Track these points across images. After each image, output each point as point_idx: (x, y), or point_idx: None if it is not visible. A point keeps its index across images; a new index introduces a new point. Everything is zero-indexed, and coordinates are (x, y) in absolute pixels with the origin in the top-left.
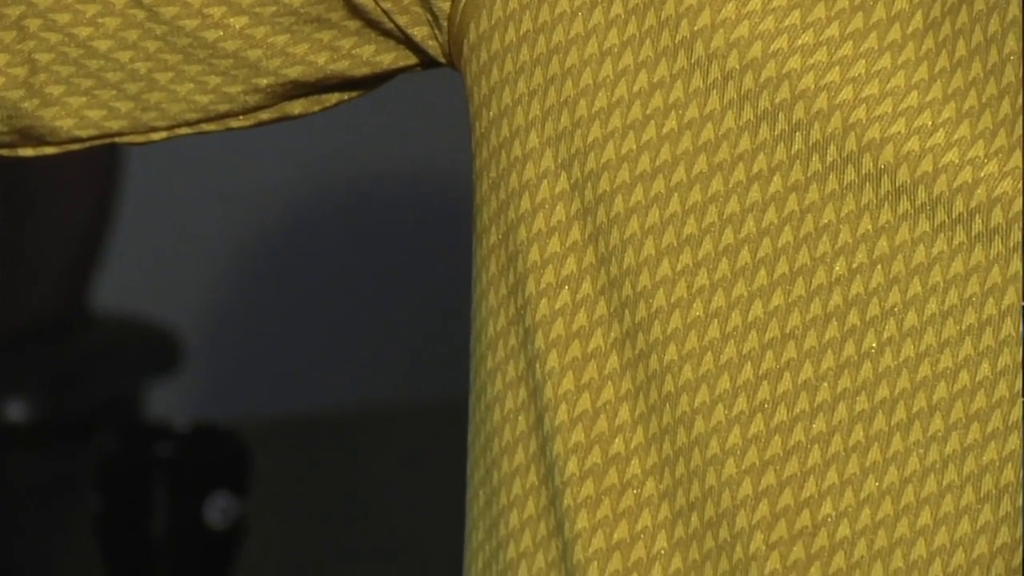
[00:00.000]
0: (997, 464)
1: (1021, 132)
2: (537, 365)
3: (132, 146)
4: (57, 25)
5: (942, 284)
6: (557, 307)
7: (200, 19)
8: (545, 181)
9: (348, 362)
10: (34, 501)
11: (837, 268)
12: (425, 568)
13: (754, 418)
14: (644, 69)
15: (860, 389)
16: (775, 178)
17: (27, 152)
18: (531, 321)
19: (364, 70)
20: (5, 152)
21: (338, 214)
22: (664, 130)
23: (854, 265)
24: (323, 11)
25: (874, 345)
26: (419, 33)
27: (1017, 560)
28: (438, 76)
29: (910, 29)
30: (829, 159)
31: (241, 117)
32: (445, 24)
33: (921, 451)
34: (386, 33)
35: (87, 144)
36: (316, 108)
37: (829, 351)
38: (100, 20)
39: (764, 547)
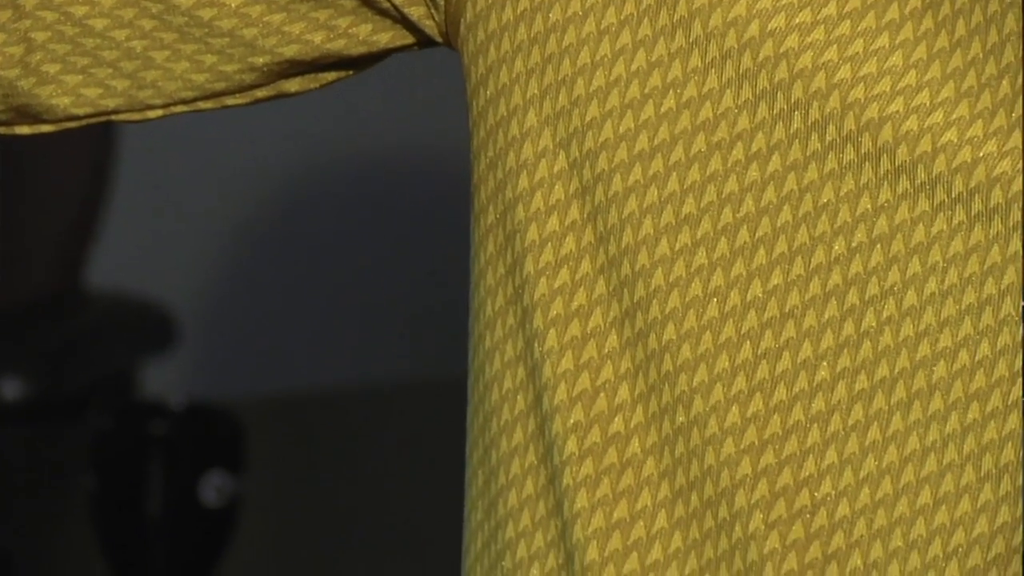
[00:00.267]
0: (997, 443)
1: (1020, 112)
2: (536, 344)
3: (128, 124)
4: (53, 4)
5: (942, 263)
6: (556, 286)
7: None
8: (543, 160)
9: (344, 341)
10: (29, 479)
11: (836, 247)
12: (422, 548)
13: (753, 397)
14: (642, 48)
15: (859, 368)
16: (773, 157)
17: (23, 130)
18: (529, 300)
19: (361, 49)
20: (2, 130)
21: (335, 192)
22: (662, 109)
23: (853, 244)
24: None
25: (873, 324)
26: (416, 12)
27: (1017, 539)
28: (435, 54)
29: (908, 8)
30: (828, 138)
31: (237, 95)
32: (442, 3)
33: (921, 430)
34: (382, 12)
35: (84, 122)
36: (313, 86)
37: (828, 330)
38: None
39: (763, 526)
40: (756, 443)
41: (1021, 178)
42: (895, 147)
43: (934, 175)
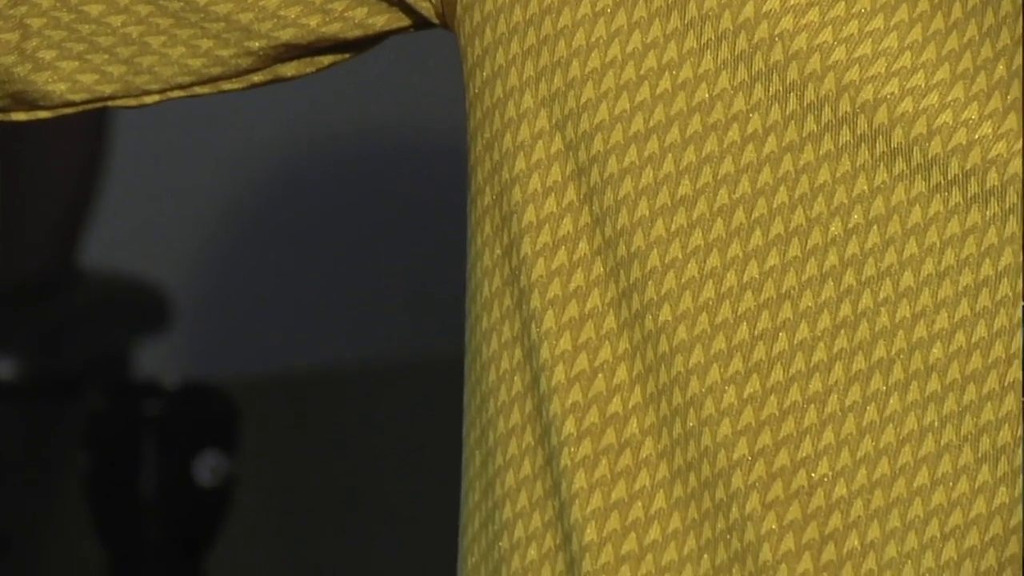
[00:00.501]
0: (994, 424)
1: (1016, 94)
2: (533, 325)
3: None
4: None
5: (939, 245)
6: (554, 267)
7: None
8: (540, 141)
9: (339, 320)
10: (22, 459)
11: (833, 228)
12: (419, 528)
13: (749, 378)
14: (638, 30)
15: (857, 349)
16: (769, 138)
17: (20, 117)
18: (526, 281)
19: (356, 32)
20: None
21: (331, 172)
22: (657, 90)
23: (850, 225)
24: None
25: (870, 305)
26: None
27: (1015, 520)
28: (431, 34)
29: None
30: (824, 120)
31: (234, 80)
32: None
33: (918, 411)
34: None
35: (80, 108)
36: (309, 70)
37: (825, 311)
38: None
39: (760, 507)
40: (753, 424)
41: (1017, 160)
42: (890, 129)
43: (930, 157)
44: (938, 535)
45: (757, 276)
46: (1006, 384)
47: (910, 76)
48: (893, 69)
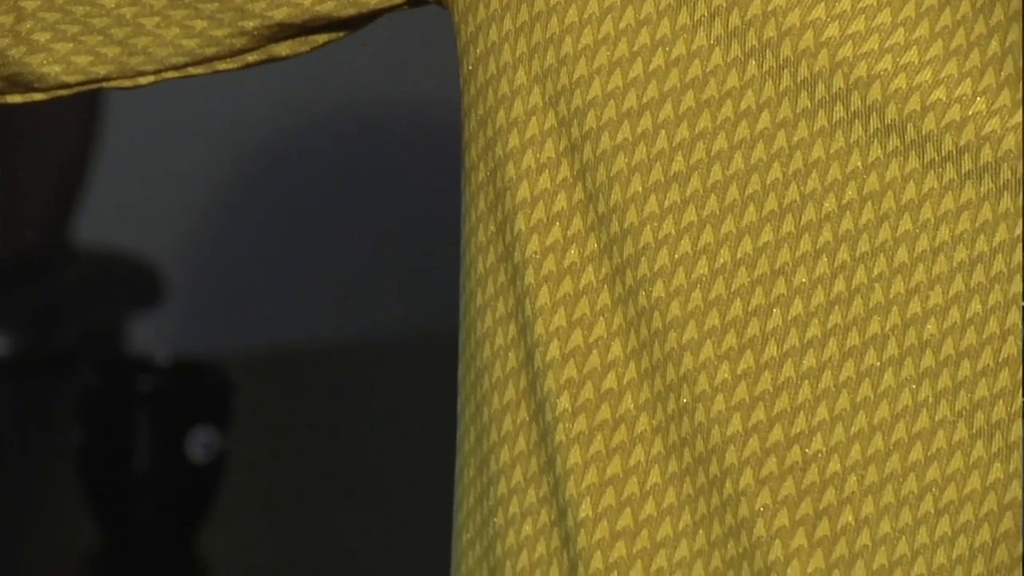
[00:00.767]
0: (989, 400)
1: (1010, 71)
2: (527, 301)
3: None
4: None
5: (933, 221)
6: (548, 243)
7: None
8: (534, 117)
9: (333, 295)
10: (15, 435)
11: (827, 205)
12: (413, 504)
13: (743, 354)
14: (631, 6)
15: (851, 325)
16: (763, 115)
17: (15, 99)
18: (520, 257)
19: (350, 10)
20: None
21: (324, 147)
22: (651, 67)
23: (844, 201)
24: None
25: (865, 281)
26: None
27: (1010, 496)
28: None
29: None
30: (818, 96)
31: (228, 60)
32: None
33: (913, 387)
34: None
35: (75, 90)
36: (304, 49)
37: (819, 287)
38: None
39: (754, 483)
40: (747, 400)
41: (1011, 136)
42: (884, 105)
43: (924, 133)
44: (932, 511)
45: (751, 252)
46: (1000, 360)
47: (904, 53)
48: (887, 46)
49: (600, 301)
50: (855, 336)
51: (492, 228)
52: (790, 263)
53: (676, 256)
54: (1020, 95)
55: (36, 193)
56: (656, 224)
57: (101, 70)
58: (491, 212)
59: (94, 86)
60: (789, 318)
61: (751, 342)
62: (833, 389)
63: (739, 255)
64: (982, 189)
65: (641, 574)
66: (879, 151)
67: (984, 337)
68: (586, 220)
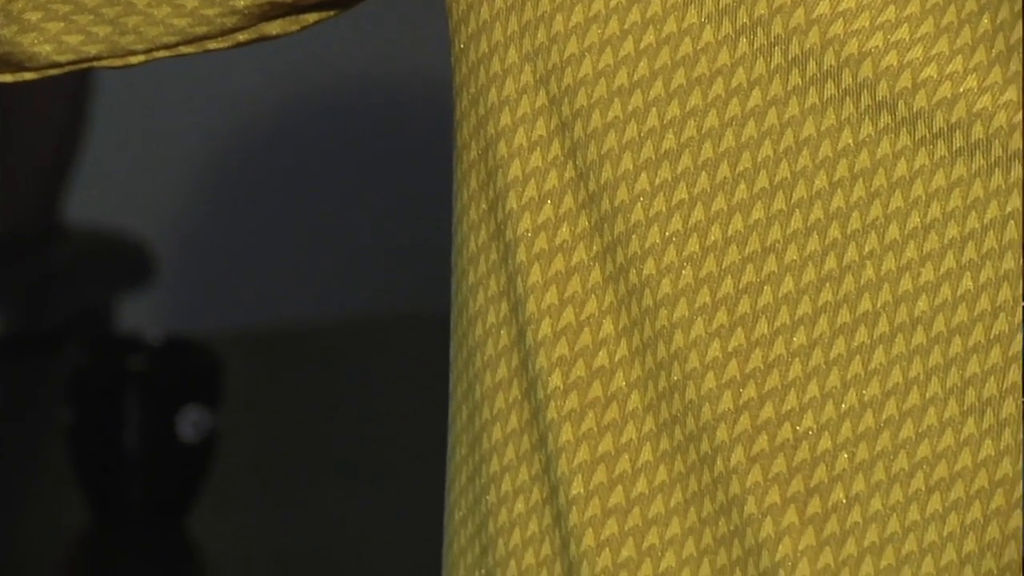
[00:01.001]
0: (980, 377)
1: (1001, 48)
2: (519, 279)
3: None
4: None
5: (924, 198)
6: (540, 221)
7: None
8: (525, 96)
9: (323, 274)
10: (5, 414)
11: (818, 182)
12: (404, 482)
13: (734, 332)
14: None
15: (842, 302)
16: (754, 92)
17: (6, 78)
18: (512, 235)
19: None
20: None
21: (315, 125)
22: (641, 45)
23: (835, 179)
24: None
25: (856, 258)
26: None
27: (1001, 472)
28: None
29: None
30: (809, 73)
31: (219, 39)
32: None
33: (904, 364)
34: None
35: (66, 69)
36: (294, 28)
37: (810, 264)
38: None
39: (745, 460)
40: (737, 377)
41: (1002, 113)
42: (875, 82)
43: (915, 110)
44: (923, 488)
45: (742, 229)
46: (991, 336)
47: (895, 30)
48: (878, 23)
49: (591, 279)
50: (846, 313)
51: (484, 206)
52: (781, 240)
53: (667, 233)
54: (1011, 72)
55: (26, 173)
56: (647, 201)
57: (92, 49)
58: (483, 190)
59: (85, 65)
60: (780, 295)
61: (742, 319)
62: (824, 366)
63: (730, 232)
64: (973, 166)
65: (633, 551)
66: (870, 128)
67: (975, 314)
68: (577, 198)
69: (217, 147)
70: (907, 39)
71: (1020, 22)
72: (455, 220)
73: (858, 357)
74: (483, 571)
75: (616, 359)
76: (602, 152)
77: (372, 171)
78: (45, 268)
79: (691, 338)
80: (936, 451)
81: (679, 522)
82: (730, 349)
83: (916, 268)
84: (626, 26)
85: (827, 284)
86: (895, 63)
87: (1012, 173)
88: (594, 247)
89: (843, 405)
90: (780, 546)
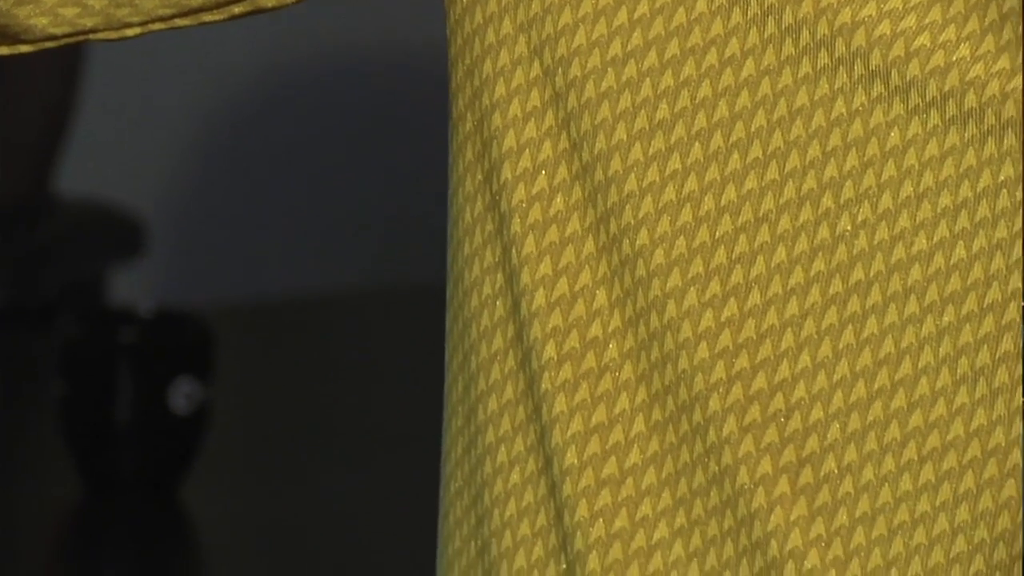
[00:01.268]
0: (972, 346)
1: (994, 17)
2: (513, 250)
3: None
4: None
5: (917, 167)
6: (534, 192)
7: None
8: (519, 67)
9: (316, 246)
10: None
11: (811, 151)
12: (398, 454)
13: (727, 302)
14: None
15: (834, 272)
16: (747, 62)
17: (2, 51)
18: (507, 207)
19: None
20: None
21: (308, 96)
22: (635, 15)
23: (828, 148)
24: None
25: (848, 228)
26: None
27: (993, 442)
28: None
29: None
30: (802, 43)
31: (215, 11)
32: None
33: (896, 334)
34: None
35: (62, 42)
36: (289, 0)
37: (803, 234)
38: None
39: (736, 430)
40: (730, 347)
41: (995, 82)
42: (869, 51)
43: (908, 79)
44: (915, 458)
45: (735, 199)
46: (984, 306)
47: None
48: None
49: (585, 249)
50: (838, 283)
51: (479, 177)
52: (773, 210)
53: (660, 204)
54: (1004, 41)
55: (17, 145)
56: (640, 172)
57: (88, 22)
58: (478, 162)
59: (81, 38)
60: (772, 265)
61: (734, 289)
62: (816, 336)
63: (723, 202)
64: (966, 135)
65: (626, 522)
66: (863, 97)
67: (968, 283)
68: (571, 169)
69: (210, 119)
70: (900, 8)
71: None
72: (450, 192)
73: (850, 327)
74: (479, 542)
75: (610, 330)
76: (595, 122)
77: (365, 142)
78: (37, 241)
79: (684, 308)
80: (928, 421)
81: (671, 493)
82: (723, 319)
83: (909, 237)
84: None
85: (820, 254)
86: (888, 32)
87: (1005, 142)
88: (588, 218)
89: (835, 375)
90: (772, 516)
